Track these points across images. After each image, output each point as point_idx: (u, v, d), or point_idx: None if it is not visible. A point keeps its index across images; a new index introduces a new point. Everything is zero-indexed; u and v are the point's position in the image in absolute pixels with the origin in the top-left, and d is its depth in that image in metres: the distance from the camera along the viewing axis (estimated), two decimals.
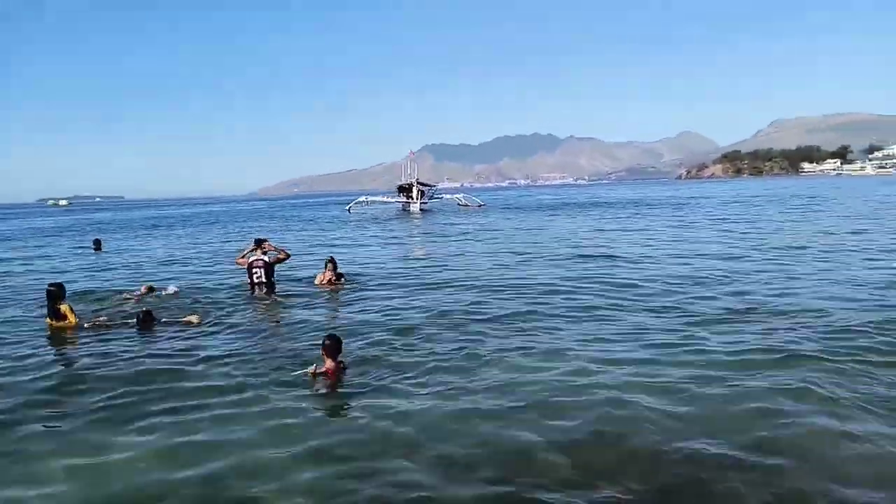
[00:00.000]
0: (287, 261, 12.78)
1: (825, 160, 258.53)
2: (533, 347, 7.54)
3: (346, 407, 5.89)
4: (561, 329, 8.49)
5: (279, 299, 11.66)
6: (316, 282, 12.70)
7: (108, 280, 15.49)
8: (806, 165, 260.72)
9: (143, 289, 12.44)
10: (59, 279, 15.35)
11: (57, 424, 5.78)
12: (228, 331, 9.06)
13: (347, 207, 61.99)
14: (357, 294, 11.93)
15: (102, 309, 11.01)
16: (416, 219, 43.17)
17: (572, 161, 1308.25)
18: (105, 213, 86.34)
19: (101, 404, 6.17)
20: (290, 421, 5.52)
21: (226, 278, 14.61)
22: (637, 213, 37.32)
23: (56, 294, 9.43)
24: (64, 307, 9.36)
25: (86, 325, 9.46)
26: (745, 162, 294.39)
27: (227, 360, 7.47)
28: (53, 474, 4.77)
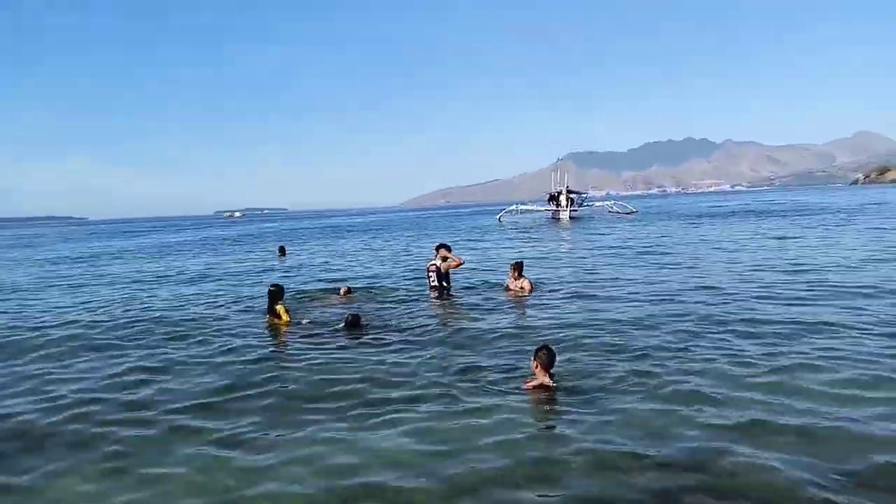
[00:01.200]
0: (461, 267, 13.00)
1: None
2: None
3: (566, 421, 5.65)
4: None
5: (461, 303, 11.85)
6: (509, 286, 12.78)
7: (303, 282, 16.75)
8: None
9: (342, 290, 13.40)
10: (256, 281, 17.28)
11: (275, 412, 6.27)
12: (418, 336, 9.27)
13: (498, 217, 62.88)
14: (544, 302, 11.69)
15: (309, 309, 11.89)
16: (567, 227, 42.89)
17: (729, 167, 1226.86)
18: (277, 223, 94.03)
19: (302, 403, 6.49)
20: (515, 436, 5.33)
21: (403, 281, 15.48)
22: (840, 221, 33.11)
23: (275, 294, 10.40)
24: (280, 307, 10.26)
25: (303, 321, 10.38)
26: None
27: (430, 365, 7.62)
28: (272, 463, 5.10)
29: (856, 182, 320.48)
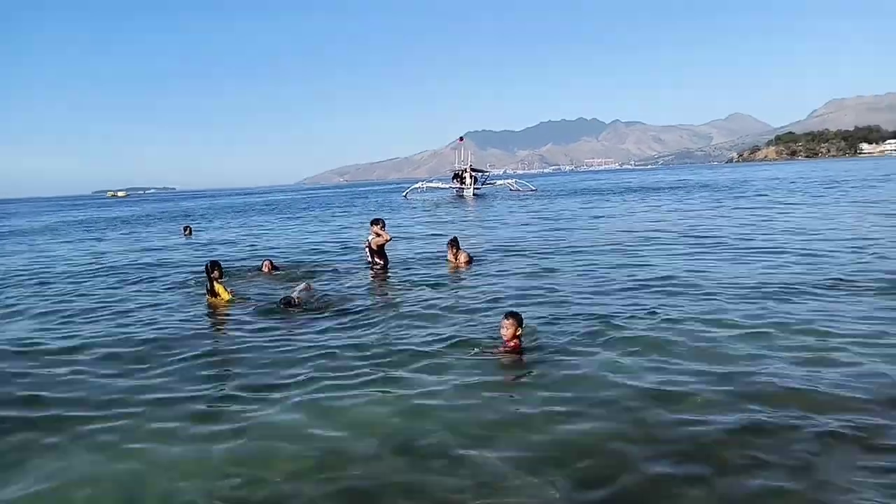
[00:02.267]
0: (388, 242, 12.96)
1: (886, 140, 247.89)
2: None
3: (540, 374, 6.02)
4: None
5: (402, 278, 11.81)
6: (450, 260, 13.00)
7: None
8: (865, 146, 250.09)
9: (265, 265, 13.06)
10: (167, 259, 16.44)
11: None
12: (365, 310, 9.18)
13: (404, 194, 63.19)
14: (484, 272, 12.02)
15: (235, 284, 11.41)
16: (471, 204, 43.86)
17: (618, 146, 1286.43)
18: (167, 203, 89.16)
19: (250, 380, 6.36)
20: (491, 393, 5.58)
21: (327, 258, 15.28)
22: (720, 196, 35.81)
23: (210, 271, 9.96)
24: (219, 286, 9.84)
25: (243, 299, 10.04)
26: (799, 144, 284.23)
27: (387, 336, 7.64)
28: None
29: (730, 161, 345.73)
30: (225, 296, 9.80)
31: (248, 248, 19.24)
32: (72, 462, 4.67)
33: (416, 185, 67.71)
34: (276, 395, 5.82)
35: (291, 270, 13.32)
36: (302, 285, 9.90)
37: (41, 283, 13.50)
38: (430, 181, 73.64)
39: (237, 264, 14.86)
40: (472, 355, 6.62)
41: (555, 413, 5.07)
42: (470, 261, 12.97)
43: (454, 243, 13.23)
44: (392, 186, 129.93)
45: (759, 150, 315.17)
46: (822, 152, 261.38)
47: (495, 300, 9.33)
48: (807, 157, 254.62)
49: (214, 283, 9.86)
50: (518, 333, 6.53)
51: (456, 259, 13.01)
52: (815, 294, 8.76)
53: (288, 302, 9.21)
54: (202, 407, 5.64)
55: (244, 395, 5.90)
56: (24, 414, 5.67)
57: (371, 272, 12.42)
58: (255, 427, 5.12)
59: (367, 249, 12.65)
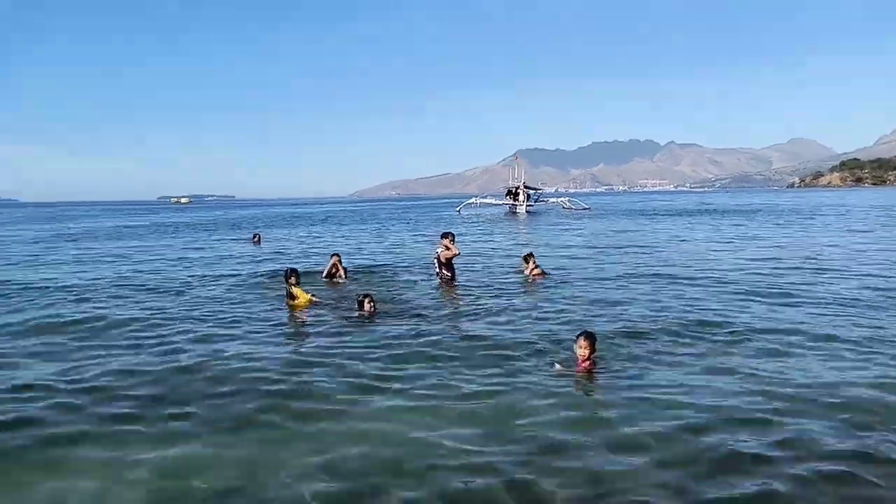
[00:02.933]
0: (456, 257, 13.35)
1: None
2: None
3: (612, 395, 6.09)
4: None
5: (465, 289, 12.19)
6: (524, 272, 13.60)
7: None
8: None
9: (332, 259, 13.83)
10: (241, 268, 17.16)
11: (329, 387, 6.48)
12: (436, 319, 9.52)
13: (458, 209, 63.83)
14: (559, 288, 12.25)
15: (312, 289, 11.94)
16: (525, 221, 44.22)
17: (672, 168, 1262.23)
18: (228, 211, 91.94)
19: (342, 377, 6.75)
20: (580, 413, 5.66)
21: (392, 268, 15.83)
22: (795, 222, 35.07)
23: (288, 276, 10.68)
24: (297, 290, 10.46)
25: (322, 302, 10.60)
26: (865, 171, 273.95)
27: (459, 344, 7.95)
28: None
29: (792, 185, 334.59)
30: (304, 298, 10.40)
31: (315, 256, 19.89)
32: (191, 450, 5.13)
33: (470, 201, 68.60)
34: (366, 396, 6.13)
35: (360, 276, 13.96)
36: (374, 292, 10.34)
37: (149, 291, 14.06)
38: (484, 197, 74.50)
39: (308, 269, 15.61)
40: (552, 372, 6.75)
41: (625, 436, 5.07)
42: (543, 274, 13.49)
43: (530, 257, 13.87)
44: (444, 201, 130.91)
45: (822, 175, 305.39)
46: (889, 180, 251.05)
47: (567, 314, 9.63)
48: (873, 184, 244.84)
49: (293, 287, 10.46)
50: (591, 355, 6.69)
51: (530, 272, 13.52)
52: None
53: (367, 297, 9.71)
54: (303, 405, 5.98)
55: (335, 395, 6.18)
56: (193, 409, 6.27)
57: (440, 282, 12.88)
58: (356, 425, 5.45)
59: (435, 261, 13.12)
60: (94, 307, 11.04)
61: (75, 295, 12.43)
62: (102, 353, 7.90)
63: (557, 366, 6.86)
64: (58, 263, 19.32)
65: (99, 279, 14.93)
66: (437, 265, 13.08)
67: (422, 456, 4.77)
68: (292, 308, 10.40)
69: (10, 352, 8.06)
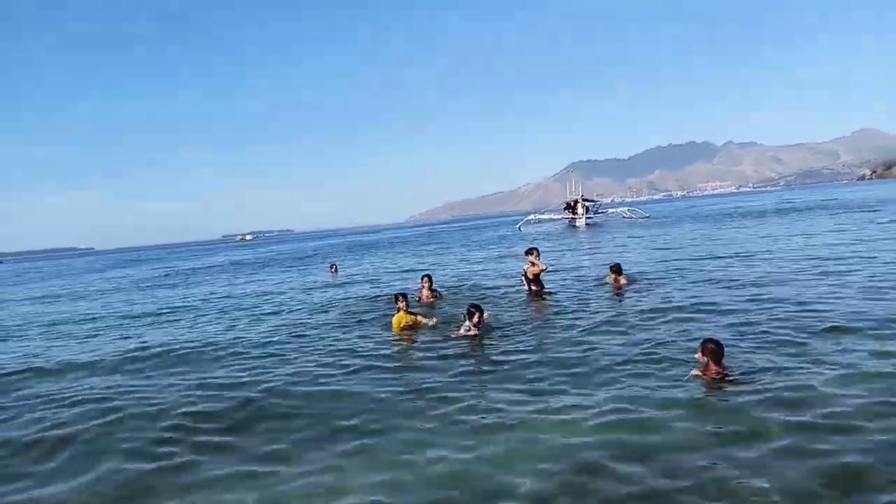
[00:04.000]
0: (544, 272, 13.61)
1: None
2: None
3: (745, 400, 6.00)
4: None
5: (557, 303, 12.29)
6: (611, 284, 13.79)
7: (371, 294, 17.40)
8: None
9: (423, 282, 14.18)
10: (333, 294, 17.86)
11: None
12: (536, 334, 9.77)
13: (518, 226, 64.19)
14: (642, 296, 12.34)
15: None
16: (586, 233, 44.11)
17: (732, 169, 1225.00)
18: (292, 245, 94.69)
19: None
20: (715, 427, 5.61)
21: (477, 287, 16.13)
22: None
23: (397, 300, 11.12)
24: (403, 313, 10.88)
25: (429, 324, 10.89)
26: None
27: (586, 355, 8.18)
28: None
29: (863, 178, 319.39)
30: (411, 319, 10.87)
31: (396, 282, 20.46)
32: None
33: (529, 217, 68.86)
34: (502, 411, 6.38)
35: (449, 296, 14.42)
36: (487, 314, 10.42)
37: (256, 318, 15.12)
38: (542, 213, 74.53)
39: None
40: (684, 380, 6.74)
41: (782, 445, 5.04)
42: (630, 283, 13.76)
43: (617, 268, 14.03)
44: (501, 219, 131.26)
45: (894, 165, 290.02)
46: None
47: (674, 321, 9.71)
48: None
49: (402, 310, 10.92)
50: (720, 361, 6.64)
51: (617, 282, 13.74)
52: None
53: (477, 308, 9.83)
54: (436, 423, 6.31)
55: (474, 411, 6.47)
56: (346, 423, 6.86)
57: (530, 298, 13.13)
58: (498, 439, 5.69)
59: (523, 278, 13.48)
60: (240, 333, 12.01)
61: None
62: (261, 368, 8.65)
63: (693, 372, 6.82)
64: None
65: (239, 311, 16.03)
66: (524, 282, 13.43)
67: (578, 471, 4.95)
68: (401, 329, 10.80)
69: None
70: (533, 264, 13.12)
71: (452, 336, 9.86)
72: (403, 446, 5.70)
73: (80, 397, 8.33)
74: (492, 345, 9.25)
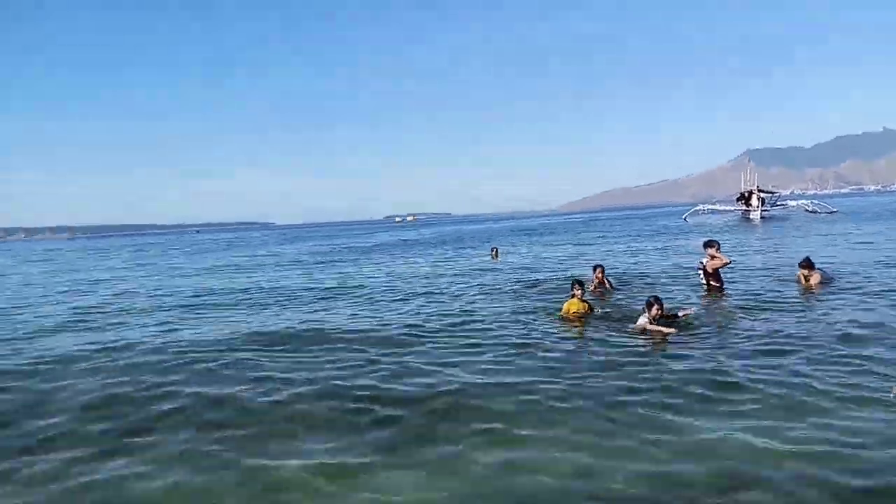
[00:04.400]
0: (726, 266, 12.68)
1: None
2: None
3: None
4: None
5: (740, 301, 11.36)
6: (801, 282, 12.59)
7: (533, 279, 17.30)
8: None
9: (596, 272, 13.76)
10: (497, 280, 17.89)
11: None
12: (717, 335, 9.06)
13: (684, 216, 60.98)
14: (837, 297, 11.15)
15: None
16: (762, 227, 40.55)
17: None
18: (449, 227, 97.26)
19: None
20: None
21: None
22: None
23: (573, 287, 10.89)
24: (574, 300, 10.71)
25: (600, 313, 10.69)
26: None
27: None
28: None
29: None
30: (582, 308, 10.65)
31: (556, 269, 20.21)
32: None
33: (698, 208, 65.33)
34: (696, 409, 6.07)
35: (620, 287, 13.95)
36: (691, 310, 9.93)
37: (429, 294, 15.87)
38: (713, 203, 70.21)
39: (557, 281, 16.02)
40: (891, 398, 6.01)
41: None
42: (823, 282, 12.33)
43: (807, 263, 12.67)
44: (663, 210, 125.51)
45: None
46: None
47: (874, 334, 8.52)
48: None
49: (577, 297, 10.72)
50: None
51: (807, 280, 12.44)
52: None
53: (657, 300, 9.33)
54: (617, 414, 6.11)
55: (664, 406, 6.21)
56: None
57: (708, 295, 12.30)
58: (690, 438, 5.38)
59: (700, 272, 12.64)
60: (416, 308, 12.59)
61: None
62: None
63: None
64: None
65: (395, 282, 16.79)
66: (702, 275, 12.60)
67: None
68: (570, 315, 10.62)
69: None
70: (713, 257, 12.24)
71: (630, 328, 9.51)
72: (596, 436, 5.53)
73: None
74: (676, 342, 8.65)
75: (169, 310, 15.18)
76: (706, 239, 13.12)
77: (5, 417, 7.01)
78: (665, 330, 9.05)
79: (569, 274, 17.53)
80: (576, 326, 10.18)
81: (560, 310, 10.96)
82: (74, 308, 16.68)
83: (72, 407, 7.21)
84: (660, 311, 9.27)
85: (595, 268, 14.00)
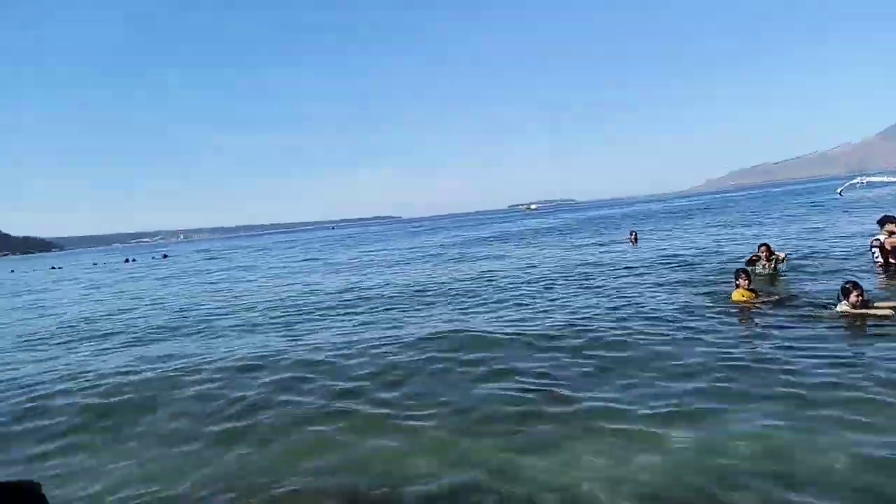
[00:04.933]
0: None
1: None
2: None
3: None
4: None
5: None
6: None
7: (679, 264, 17.02)
8: None
9: (761, 251, 13.11)
10: (642, 266, 17.57)
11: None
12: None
13: (838, 190, 56.11)
14: None
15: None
16: None
17: None
18: (577, 213, 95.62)
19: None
20: None
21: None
22: None
23: (737, 276, 10.61)
24: (740, 290, 10.39)
25: (763, 300, 10.27)
26: None
27: None
28: None
29: None
30: (750, 297, 10.27)
31: (696, 254, 19.53)
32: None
33: (855, 181, 59.87)
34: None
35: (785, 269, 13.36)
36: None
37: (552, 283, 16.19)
38: (871, 175, 64.10)
39: (708, 266, 15.65)
40: None
41: None
42: None
43: None
44: (801, 186, 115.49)
45: None
46: None
47: None
48: None
49: (741, 288, 10.41)
50: None
51: None
52: None
53: (854, 285, 8.61)
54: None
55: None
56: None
57: (884, 276, 11.58)
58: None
59: (875, 250, 11.93)
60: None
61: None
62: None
63: None
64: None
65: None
66: (876, 254, 11.86)
67: None
68: (739, 305, 10.29)
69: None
70: (892, 233, 11.51)
71: (825, 315, 8.85)
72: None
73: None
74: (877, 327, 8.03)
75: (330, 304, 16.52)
76: (883, 214, 12.32)
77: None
78: (879, 312, 8.34)
79: (712, 256, 17.03)
80: (749, 311, 9.87)
81: (729, 296, 10.67)
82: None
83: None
84: (860, 297, 8.56)
85: (760, 247, 13.36)
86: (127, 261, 73.19)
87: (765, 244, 13.42)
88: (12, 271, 78.35)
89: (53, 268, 75.49)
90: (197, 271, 38.51)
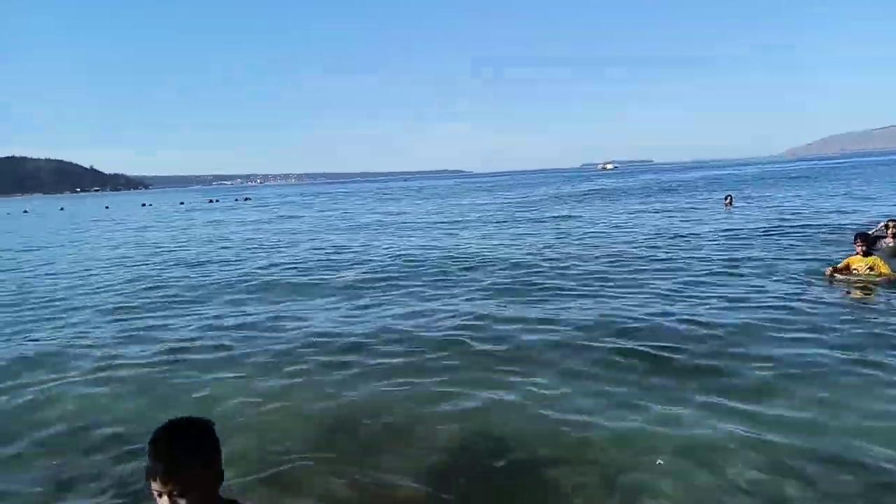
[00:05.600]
0: None
1: None
2: None
3: None
4: None
5: None
6: None
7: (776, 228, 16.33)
8: None
9: (889, 227, 11.74)
10: (741, 231, 16.65)
11: None
12: None
13: None
14: None
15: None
16: None
17: None
18: (657, 175, 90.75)
19: None
20: None
21: None
22: None
23: (854, 240, 9.76)
24: (857, 256, 9.56)
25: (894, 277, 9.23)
26: None
27: None
28: None
29: None
30: (885, 269, 9.35)
31: (797, 220, 18.68)
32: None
33: None
34: None
35: None
36: None
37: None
38: None
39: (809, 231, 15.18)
40: None
41: None
42: None
43: None
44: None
45: None
46: None
47: None
48: None
49: (859, 254, 9.55)
50: None
51: None
52: None
53: None
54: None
55: None
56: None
57: None
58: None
59: None
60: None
61: None
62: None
63: None
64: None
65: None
66: None
67: None
68: (850, 271, 9.52)
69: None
70: None
71: None
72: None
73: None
74: None
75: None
76: None
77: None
78: None
79: (808, 225, 16.25)
80: (863, 286, 9.09)
81: (836, 263, 9.86)
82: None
83: None
84: None
85: (887, 223, 12.00)
86: (210, 201, 79.76)
87: (893, 220, 11.97)
88: (107, 207, 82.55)
89: (144, 205, 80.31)
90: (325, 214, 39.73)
